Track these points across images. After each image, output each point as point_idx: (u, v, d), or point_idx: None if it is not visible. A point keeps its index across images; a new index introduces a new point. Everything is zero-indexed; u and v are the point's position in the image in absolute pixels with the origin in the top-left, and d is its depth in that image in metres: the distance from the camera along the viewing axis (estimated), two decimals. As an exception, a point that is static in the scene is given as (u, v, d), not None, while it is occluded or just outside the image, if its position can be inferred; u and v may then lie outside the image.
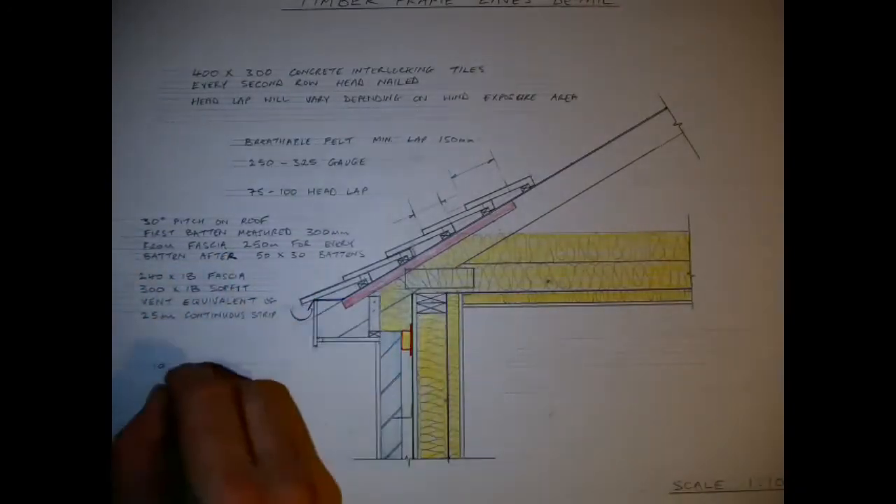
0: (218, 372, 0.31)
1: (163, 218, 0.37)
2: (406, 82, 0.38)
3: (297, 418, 0.30)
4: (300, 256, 0.37)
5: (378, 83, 0.38)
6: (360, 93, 0.38)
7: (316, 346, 0.37)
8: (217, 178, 0.37)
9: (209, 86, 0.38)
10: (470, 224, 0.38)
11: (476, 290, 0.37)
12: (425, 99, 0.38)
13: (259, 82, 0.38)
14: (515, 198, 0.38)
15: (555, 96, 0.38)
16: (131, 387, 0.36)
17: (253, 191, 0.37)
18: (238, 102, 0.38)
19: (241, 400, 0.28)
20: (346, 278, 0.37)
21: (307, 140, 0.38)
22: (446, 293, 0.37)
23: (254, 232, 0.37)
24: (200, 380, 0.28)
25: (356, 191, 0.38)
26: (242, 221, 0.37)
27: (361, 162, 0.38)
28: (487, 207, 0.38)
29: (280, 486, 0.25)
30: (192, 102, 0.38)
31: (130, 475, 0.27)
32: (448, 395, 0.37)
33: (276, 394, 0.29)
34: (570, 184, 0.38)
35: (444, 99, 0.38)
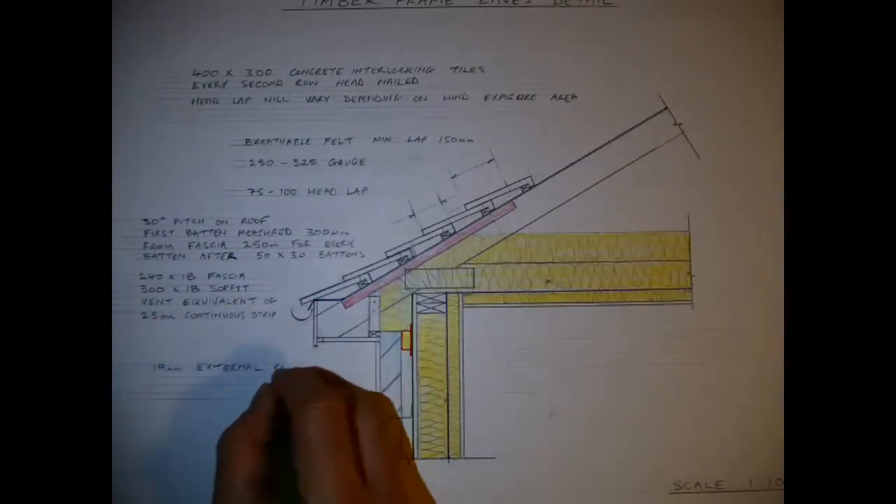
0: (327, 379, 0.31)
1: (163, 218, 0.37)
2: (406, 82, 0.38)
3: (403, 435, 0.30)
4: (300, 256, 0.37)
5: (378, 83, 0.38)
6: (360, 93, 0.38)
7: (316, 346, 0.37)
8: (217, 178, 0.37)
9: (209, 86, 0.38)
10: (470, 224, 0.38)
11: (476, 290, 0.37)
12: (425, 99, 0.38)
13: (259, 82, 0.38)
14: (515, 198, 0.38)
15: (555, 96, 0.38)
16: (131, 387, 0.36)
17: (253, 191, 0.37)
18: (238, 102, 0.38)
19: (353, 414, 0.28)
20: (346, 278, 0.37)
21: (307, 140, 0.38)
22: (446, 293, 0.37)
23: (254, 232, 0.37)
24: (315, 389, 0.28)
25: (356, 191, 0.38)
26: (242, 221, 0.37)
27: (361, 162, 0.38)
28: (487, 207, 0.38)
29: None
30: (192, 102, 0.38)
31: (236, 475, 0.27)
32: (448, 395, 0.37)
33: (386, 410, 0.29)
34: (570, 184, 0.38)
35: (444, 99, 0.38)
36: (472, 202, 0.38)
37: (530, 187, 0.38)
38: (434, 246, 0.38)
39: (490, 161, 0.38)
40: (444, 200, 0.38)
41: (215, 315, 0.37)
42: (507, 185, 0.38)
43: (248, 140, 0.38)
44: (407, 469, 0.29)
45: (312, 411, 0.26)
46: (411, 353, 0.37)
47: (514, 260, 0.38)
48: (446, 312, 0.37)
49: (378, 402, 0.29)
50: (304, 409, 0.26)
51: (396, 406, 0.37)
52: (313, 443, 0.26)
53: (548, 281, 0.38)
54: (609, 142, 0.38)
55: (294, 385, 0.29)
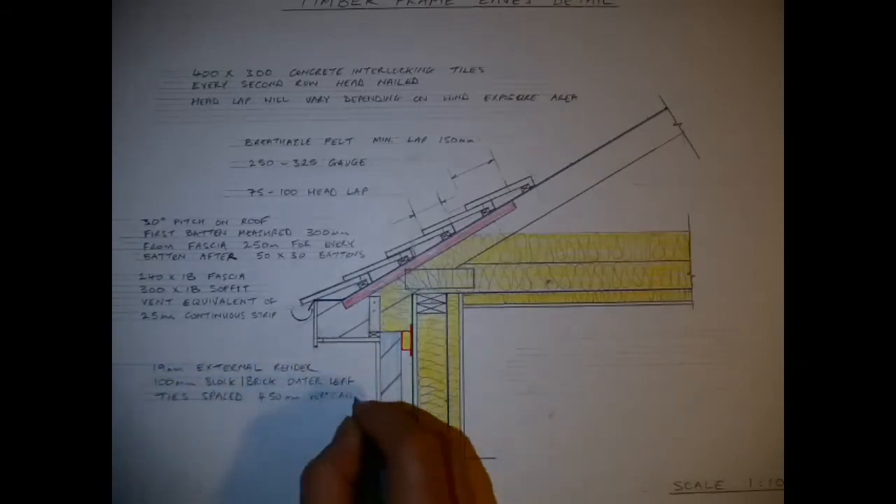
0: (415, 415, 0.31)
1: (163, 218, 0.37)
2: (406, 82, 0.38)
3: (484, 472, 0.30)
4: (300, 257, 0.37)
5: (378, 83, 0.38)
6: (360, 93, 0.38)
7: (316, 346, 0.37)
8: (217, 178, 0.37)
9: (209, 86, 0.38)
10: (470, 224, 0.38)
11: (476, 290, 0.37)
12: (425, 99, 0.38)
13: (259, 82, 0.38)
14: (515, 198, 0.38)
15: (555, 96, 0.38)
16: (131, 387, 0.36)
17: (253, 191, 0.37)
18: (238, 102, 0.38)
19: (448, 452, 0.28)
20: (346, 278, 0.37)
21: (307, 140, 0.38)
22: (446, 293, 0.37)
23: (254, 232, 0.37)
24: (409, 429, 0.28)
25: (356, 191, 0.38)
26: (242, 221, 0.37)
27: (361, 162, 0.38)
28: (487, 208, 0.38)
29: None
30: (192, 102, 0.38)
31: None
32: (448, 395, 0.37)
33: (467, 451, 0.29)
34: (570, 184, 0.38)
35: (444, 99, 0.38)
36: (472, 202, 0.38)
37: (530, 187, 0.38)
38: (434, 246, 0.38)
39: (490, 161, 0.38)
40: (444, 200, 0.38)
41: (215, 315, 0.37)
42: (507, 186, 0.38)
43: (247, 140, 0.38)
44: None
45: (412, 452, 0.27)
46: (411, 354, 0.37)
47: (514, 260, 0.38)
48: (446, 312, 0.37)
49: (462, 443, 0.29)
50: (401, 450, 0.27)
51: (396, 406, 0.37)
52: (413, 484, 0.26)
53: (548, 281, 0.38)
54: (609, 142, 0.38)
55: (386, 423, 0.29)
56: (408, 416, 0.30)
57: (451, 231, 0.38)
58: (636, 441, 0.37)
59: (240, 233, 0.37)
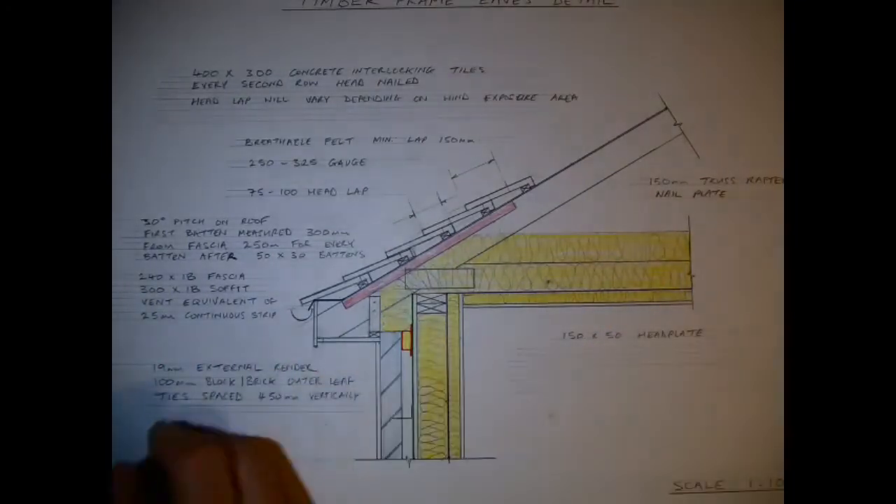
0: (208, 434, 0.31)
1: (163, 218, 0.37)
2: (406, 82, 0.38)
3: (292, 477, 0.30)
4: (300, 256, 0.37)
5: (378, 83, 0.38)
6: (360, 93, 0.38)
7: (316, 346, 0.37)
8: (217, 178, 0.37)
9: (209, 86, 0.38)
10: (470, 224, 0.38)
11: (476, 290, 0.37)
12: (425, 99, 0.38)
13: (259, 82, 0.38)
14: (515, 198, 0.38)
15: (555, 96, 0.38)
16: (131, 387, 0.36)
17: (253, 191, 0.37)
18: (238, 102, 0.38)
19: (234, 462, 0.27)
20: (346, 278, 0.37)
21: (307, 140, 0.38)
22: (446, 293, 0.37)
23: (254, 232, 0.37)
24: (190, 443, 0.28)
25: (356, 191, 0.38)
26: (242, 221, 0.37)
27: (361, 162, 0.38)
28: (487, 208, 0.38)
29: None
30: (192, 102, 0.38)
31: None
32: (448, 395, 0.37)
33: (268, 453, 0.29)
34: (570, 184, 0.38)
35: (444, 99, 0.38)
36: (472, 202, 0.38)
37: (530, 187, 0.38)
38: (434, 246, 0.38)
39: (490, 161, 0.38)
40: (444, 201, 0.38)
41: (215, 315, 0.37)
42: (507, 186, 0.38)
43: (248, 140, 0.38)
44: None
45: (187, 464, 0.26)
46: (411, 354, 0.37)
47: (514, 260, 0.38)
48: (446, 312, 0.37)
49: (258, 447, 0.28)
50: (178, 463, 0.27)
51: (397, 406, 0.37)
52: (189, 497, 0.26)
53: (548, 281, 0.38)
54: (609, 142, 0.38)
55: (169, 440, 0.29)
56: (195, 433, 0.30)
57: (451, 231, 0.38)
58: (636, 441, 0.37)
59: (240, 233, 0.37)
